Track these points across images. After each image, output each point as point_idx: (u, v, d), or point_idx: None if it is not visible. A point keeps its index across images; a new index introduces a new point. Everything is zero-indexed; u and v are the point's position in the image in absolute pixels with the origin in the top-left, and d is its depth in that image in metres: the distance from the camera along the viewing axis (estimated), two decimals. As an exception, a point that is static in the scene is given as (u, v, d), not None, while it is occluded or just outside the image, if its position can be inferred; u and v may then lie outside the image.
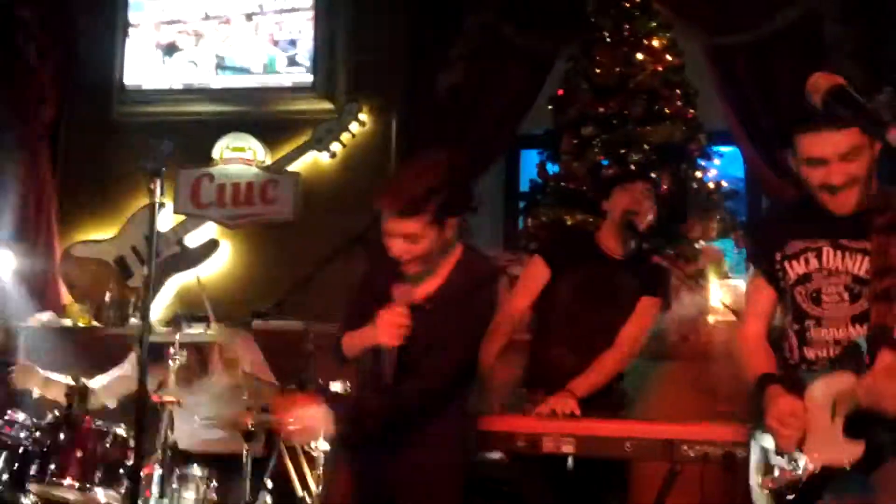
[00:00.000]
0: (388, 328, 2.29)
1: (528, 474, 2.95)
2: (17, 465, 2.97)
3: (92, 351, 4.23)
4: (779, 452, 2.13)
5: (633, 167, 4.43)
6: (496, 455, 3.22)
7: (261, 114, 5.19)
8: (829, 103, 1.98)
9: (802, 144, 2.17)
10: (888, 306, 2.09)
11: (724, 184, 4.72)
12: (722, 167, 4.96)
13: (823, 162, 2.14)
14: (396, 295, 2.31)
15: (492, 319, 2.46)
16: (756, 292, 2.36)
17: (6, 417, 2.99)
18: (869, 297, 2.12)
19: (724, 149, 5.02)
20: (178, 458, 3.18)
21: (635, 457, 2.78)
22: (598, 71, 4.65)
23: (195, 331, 3.41)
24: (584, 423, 2.85)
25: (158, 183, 2.14)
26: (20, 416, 3.04)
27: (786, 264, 2.23)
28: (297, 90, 5.09)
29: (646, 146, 4.49)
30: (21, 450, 2.98)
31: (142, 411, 2.48)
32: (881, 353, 2.03)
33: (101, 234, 5.27)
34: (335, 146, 5.01)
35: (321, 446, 3.38)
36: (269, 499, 3.27)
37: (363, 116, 5.02)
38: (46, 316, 4.95)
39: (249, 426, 3.26)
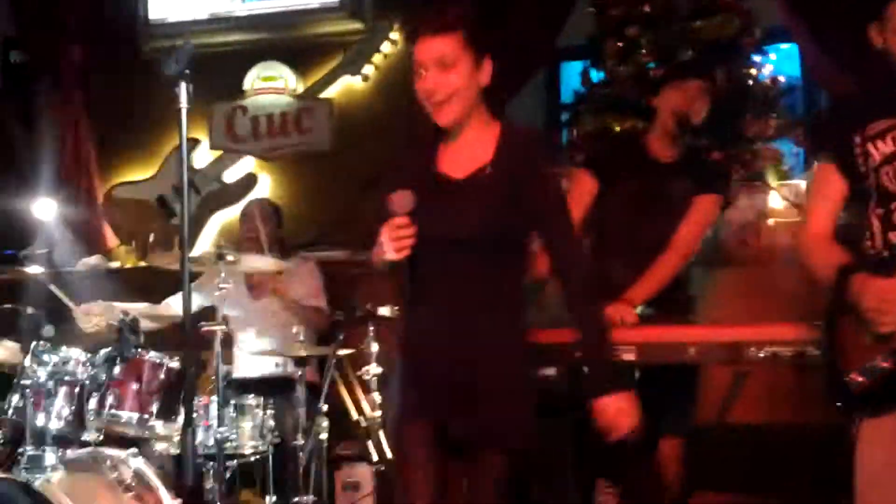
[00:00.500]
0: (390, 243, 2.01)
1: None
2: (75, 401, 2.96)
3: (142, 290, 4.22)
4: (878, 339, 1.97)
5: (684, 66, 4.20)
6: (550, 371, 3.16)
7: (289, 39, 5.06)
8: None
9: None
10: None
11: (781, 80, 4.46)
12: (777, 65, 4.70)
13: None
14: (393, 203, 2.01)
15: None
16: (825, 184, 2.17)
17: (61, 354, 2.97)
18: None
19: (781, 46, 4.77)
20: (234, 388, 3.14)
21: (700, 361, 2.66)
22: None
23: (243, 261, 3.35)
24: (645, 330, 2.75)
25: (184, 87, 2.00)
26: (75, 353, 3.02)
27: (868, 146, 2.06)
28: (324, 11, 4.95)
29: (696, 44, 4.24)
30: (78, 386, 2.96)
31: (189, 343, 2.42)
32: None
33: (140, 175, 5.25)
34: (368, 69, 4.86)
35: (373, 370, 3.35)
36: (325, 423, 3.24)
37: (394, 36, 4.85)
38: (94, 259, 4.96)
39: (301, 353, 3.23)
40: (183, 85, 1.98)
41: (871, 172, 2.07)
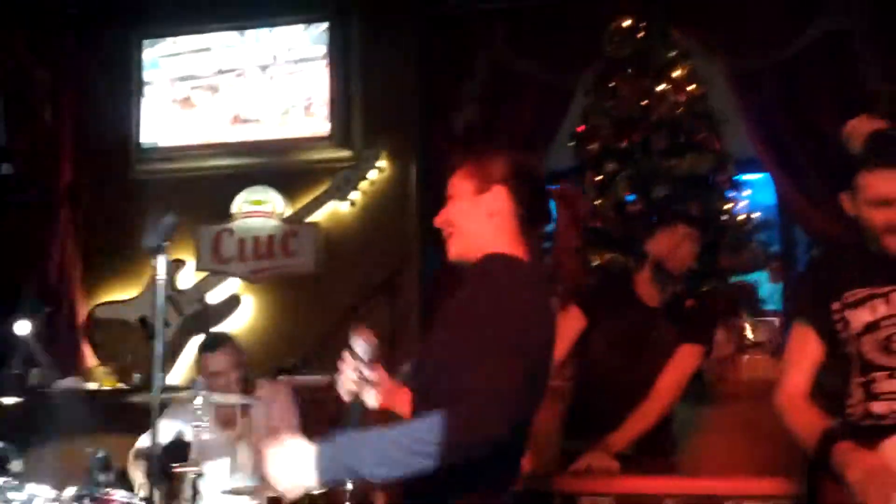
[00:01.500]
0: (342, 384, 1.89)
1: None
2: (39, 538, 2.88)
3: (118, 414, 4.17)
4: None
5: (671, 208, 4.30)
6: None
7: (279, 165, 5.16)
8: (871, 147, 1.88)
9: (869, 182, 2.07)
10: None
11: (754, 215, 4.57)
12: (752, 195, 4.83)
13: (889, 202, 2.04)
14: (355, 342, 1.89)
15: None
16: (802, 346, 2.21)
17: (27, 492, 2.90)
18: None
19: (753, 177, 4.90)
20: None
21: (678, 514, 2.64)
22: (618, 104, 4.56)
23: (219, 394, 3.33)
24: (622, 481, 2.74)
25: (162, 260, 2.06)
26: (42, 490, 2.95)
27: (846, 313, 2.11)
28: (314, 140, 5.07)
29: (672, 180, 4.37)
30: (44, 524, 2.89)
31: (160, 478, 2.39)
32: None
33: (124, 295, 5.25)
34: (354, 194, 4.96)
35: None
36: (297, 569, 3.14)
37: (381, 163, 4.97)
38: (70, 381, 4.91)
39: (272, 493, 3.16)
40: (161, 258, 2.03)
41: (851, 339, 2.11)
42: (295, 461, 1.69)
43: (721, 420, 3.83)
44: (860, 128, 1.95)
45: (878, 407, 2.06)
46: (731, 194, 4.56)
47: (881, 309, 2.07)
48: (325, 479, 1.68)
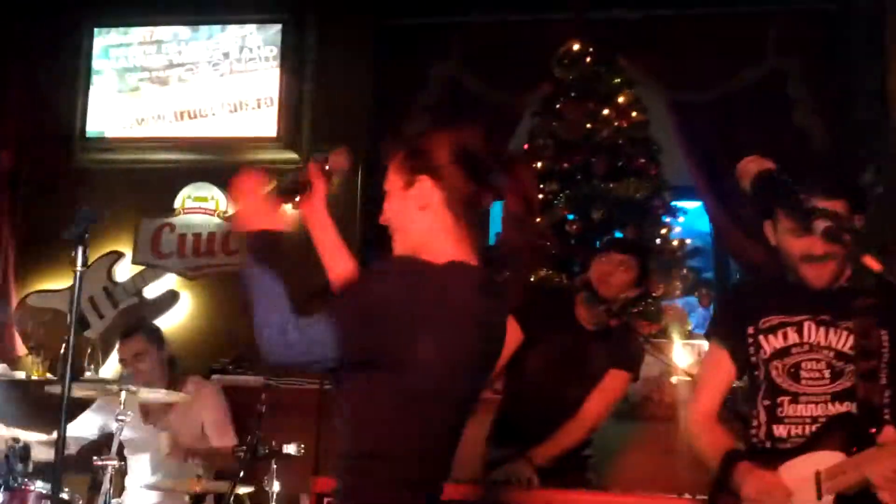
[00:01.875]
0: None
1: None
2: (-45, 530, 2.85)
3: (45, 405, 4.11)
4: None
5: (609, 236, 4.41)
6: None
7: (225, 163, 5.13)
8: (757, 188, 1.96)
9: (784, 214, 2.12)
10: (874, 385, 2.05)
11: (687, 241, 4.71)
12: (687, 222, 4.97)
13: (808, 231, 2.07)
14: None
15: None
16: (715, 367, 2.29)
17: (-57, 479, 2.87)
18: (855, 375, 2.07)
19: (689, 204, 5.04)
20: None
21: (591, 528, 2.72)
22: (562, 126, 4.66)
23: (146, 389, 3.31)
24: (540, 493, 2.80)
25: (80, 251, 2.07)
26: (-42, 479, 2.92)
27: (760, 338, 2.17)
28: (261, 140, 5.08)
29: (609, 203, 4.48)
30: (-41, 514, 2.86)
31: (58, 472, 2.38)
32: (886, 430, 1.97)
33: (58, 284, 5.17)
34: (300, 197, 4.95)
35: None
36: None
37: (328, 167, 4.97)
38: (-1, 368, 4.83)
39: (196, 488, 3.17)
40: (80, 249, 2.05)
41: (761, 364, 2.17)
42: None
43: (644, 439, 3.91)
44: (749, 167, 2.02)
45: (780, 430, 2.13)
46: (667, 220, 4.69)
47: (792, 336, 2.14)
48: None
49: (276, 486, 3.36)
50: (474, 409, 1.87)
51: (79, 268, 2.04)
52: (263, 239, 1.83)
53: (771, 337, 2.17)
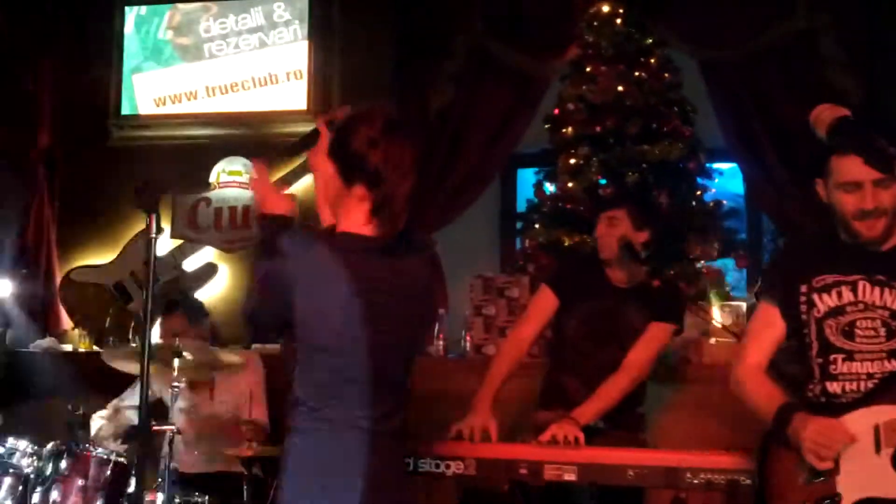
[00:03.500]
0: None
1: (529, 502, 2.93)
2: (19, 493, 2.95)
3: (93, 376, 4.21)
4: (815, 477, 2.07)
5: (629, 187, 4.42)
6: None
7: (257, 137, 5.19)
8: (836, 133, 1.97)
9: (839, 167, 2.14)
10: None
11: (723, 203, 4.69)
12: (722, 184, 4.95)
13: (859, 185, 2.12)
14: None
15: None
16: (765, 323, 2.30)
17: (8, 445, 2.96)
18: None
19: (724, 166, 5.02)
20: (180, 484, 3.15)
21: (638, 484, 2.75)
22: (593, 90, 4.63)
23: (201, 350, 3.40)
24: (586, 451, 2.83)
25: (154, 219, 2.12)
26: (22, 444, 3.02)
27: (814, 296, 2.19)
28: (291, 113, 5.13)
29: (643, 165, 4.46)
30: (23, 478, 2.95)
31: (146, 441, 2.47)
32: None
33: (100, 259, 5.27)
34: (331, 169, 4.99)
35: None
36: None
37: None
38: (47, 342, 4.94)
39: (247, 452, 3.25)
40: (153, 217, 2.10)
41: (813, 322, 2.19)
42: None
43: (684, 401, 3.93)
44: (824, 115, 2.02)
45: (834, 387, 2.15)
46: (702, 182, 4.67)
47: (847, 295, 2.16)
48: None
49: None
50: (406, 357, 2.18)
51: (153, 234, 2.10)
52: (273, 221, 2.11)
53: (825, 295, 2.18)
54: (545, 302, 3.24)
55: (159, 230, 2.13)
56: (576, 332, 3.23)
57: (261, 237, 2.14)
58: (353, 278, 2.03)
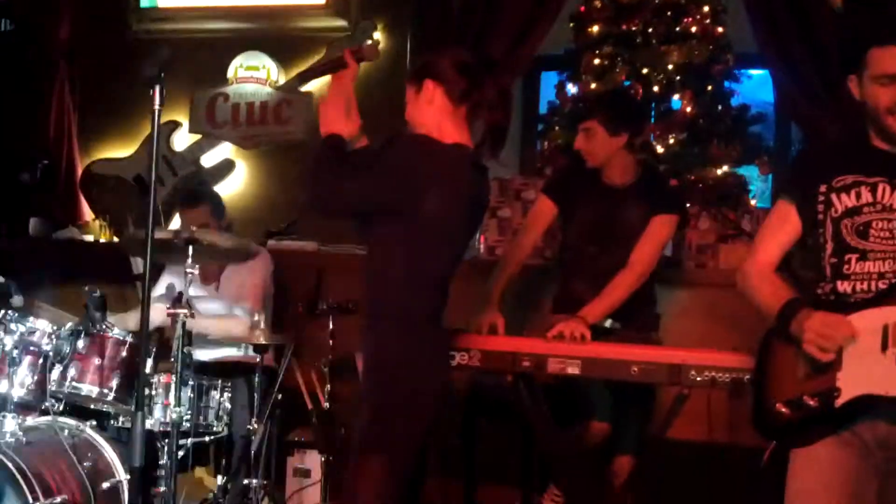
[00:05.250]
0: None
1: (532, 396, 2.96)
2: (38, 370, 3.04)
3: (114, 266, 4.29)
4: (815, 371, 2.05)
5: (655, 88, 4.31)
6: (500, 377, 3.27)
7: (275, 32, 5.12)
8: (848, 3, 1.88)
9: (876, 59, 2.06)
10: None
11: (749, 107, 4.56)
12: (751, 92, 4.80)
13: (894, 79, 2.05)
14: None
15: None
16: (781, 221, 2.25)
17: (28, 324, 3.03)
18: None
19: (753, 72, 4.86)
20: (194, 369, 3.21)
21: (642, 380, 2.77)
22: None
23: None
24: (591, 346, 2.85)
25: (158, 90, 2.08)
26: (41, 324, 3.08)
27: (832, 196, 2.14)
28: (310, 8, 5.03)
29: (669, 66, 4.33)
30: (42, 356, 3.03)
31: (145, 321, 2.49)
32: None
33: (120, 152, 5.30)
34: (349, 65, 4.92)
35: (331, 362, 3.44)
36: (279, 410, 3.33)
37: (376, 35, 4.92)
38: (69, 232, 5.01)
39: (260, 339, 3.30)
40: (157, 87, 2.06)
41: (829, 222, 2.15)
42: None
43: (699, 306, 3.92)
44: None
45: (844, 286, 2.11)
46: (729, 85, 4.54)
47: (865, 196, 2.11)
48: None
49: (332, 339, 3.50)
50: (458, 267, 2.40)
51: (157, 106, 2.06)
52: (334, 138, 2.34)
53: (844, 195, 2.13)
54: (543, 210, 3.32)
55: (162, 102, 2.09)
56: (578, 237, 3.26)
57: (318, 153, 2.32)
58: (467, 186, 2.30)
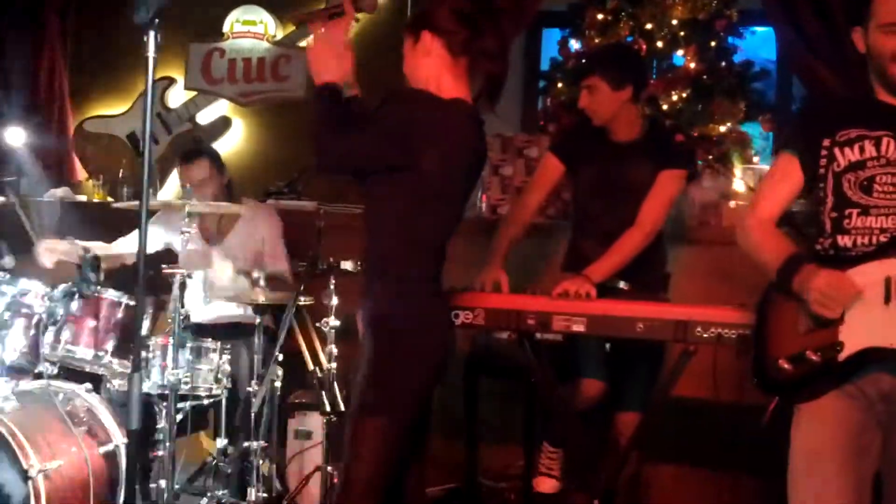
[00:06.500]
0: None
1: (537, 354, 2.93)
2: (31, 333, 3.00)
3: (107, 225, 4.23)
4: (817, 325, 2.03)
5: (659, 44, 4.24)
6: (504, 335, 3.25)
7: (272, -15, 5.01)
8: None
9: (883, 7, 2.03)
10: None
11: (752, 63, 4.50)
12: (754, 48, 4.73)
13: None
14: None
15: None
16: (783, 174, 2.20)
17: (20, 286, 2.98)
18: None
19: (757, 29, 4.78)
20: (192, 331, 3.18)
21: (647, 336, 2.74)
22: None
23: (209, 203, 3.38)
24: (596, 303, 2.82)
25: (152, 36, 2.00)
26: (34, 285, 3.04)
27: (836, 150, 2.11)
28: (309, -40, 4.90)
29: (673, 21, 4.26)
30: (35, 319, 2.99)
31: (150, 281, 2.45)
32: None
33: (113, 110, 5.21)
34: (348, 21, 4.83)
35: (331, 323, 3.40)
36: (280, 370, 3.30)
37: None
38: (61, 191, 4.95)
39: (260, 299, 3.27)
40: (151, 33, 1.98)
41: (831, 176, 2.12)
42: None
43: (702, 263, 3.89)
44: None
45: (845, 240, 2.09)
46: (732, 41, 4.46)
47: (869, 150, 2.08)
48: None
49: (334, 300, 3.46)
50: (458, 225, 2.35)
51: (151, 54, 1.99)
52: (324, 90, 2.27)
53: (847, 149, 2.10)
54: (550, 168, 3.26)
55: (157, 49, 2.02)
56: (585, 195, 3.23)
57: (317, 110, 2.26)
58: (468, 142, 2.26)
